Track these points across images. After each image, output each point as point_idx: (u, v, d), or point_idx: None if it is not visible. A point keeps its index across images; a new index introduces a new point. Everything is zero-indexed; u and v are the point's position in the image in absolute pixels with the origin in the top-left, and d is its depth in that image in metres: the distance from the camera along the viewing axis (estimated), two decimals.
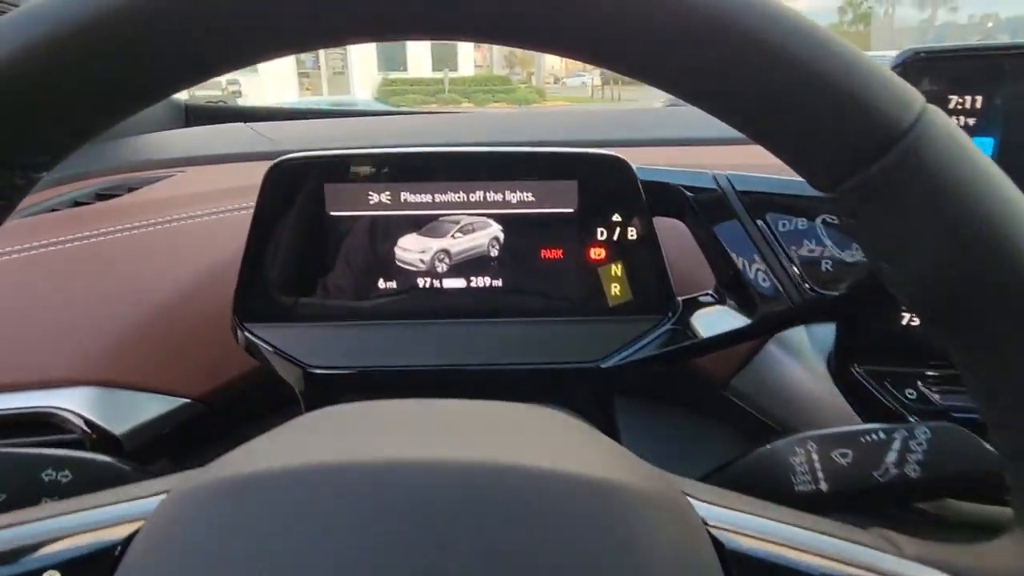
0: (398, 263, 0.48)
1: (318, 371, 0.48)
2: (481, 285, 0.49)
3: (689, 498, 0.22)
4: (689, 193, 0.47)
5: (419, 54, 19.06)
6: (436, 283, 0.49)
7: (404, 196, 0.48)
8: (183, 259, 0.56)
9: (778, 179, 0.46)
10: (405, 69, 18.63)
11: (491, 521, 0.18)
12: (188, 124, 0.98)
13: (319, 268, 0.48)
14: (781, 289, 0.44)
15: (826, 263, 0.45)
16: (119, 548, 0.20)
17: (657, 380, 0.61)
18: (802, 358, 0.56)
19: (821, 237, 0.45)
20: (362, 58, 17.31)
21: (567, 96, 19.67)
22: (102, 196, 0.69)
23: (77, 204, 0.68)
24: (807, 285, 0.44)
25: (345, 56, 17.18)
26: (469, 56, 20.68)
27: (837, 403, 0.54)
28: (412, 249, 0.48)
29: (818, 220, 0.45)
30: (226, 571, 0.17)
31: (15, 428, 0.50)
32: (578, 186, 0.48)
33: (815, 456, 0.34)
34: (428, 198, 0.48)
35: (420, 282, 0.49)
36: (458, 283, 0.49)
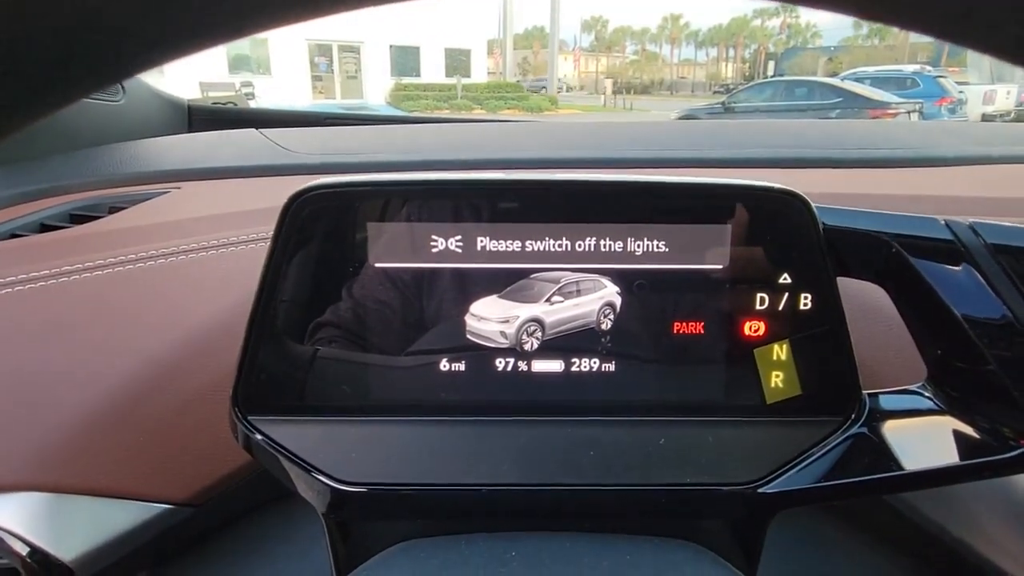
0: (469, 336, 0.34)
1: (351, 488, 0.34)
2: (586, 370, 0.34)
3: None
4: (903, 247, 0.33)
5: (433, 60, 19.00)
6: (523, 366, 0.34)
7: (481, 242, 0.33)
8: (168, 312, 0.42)
9: None
10: (418, 75, 18.53)
11: None
12: (192, 128, 0.84)
13: (356, 341, 0.34)
14: None
15: None
16: None
17: None
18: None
19: None
20: (376, 63, 17.22)
21: (580, 105, 19.54)
22: (77, 218, 0.55)
23: (45, 228, 0.54)
24: None
25: (359, 60, 17.08)
26: (482, 63, 20.59)
27: None
28: (490, 317, 0.34)
29: None
30: None
31: None
32: (731, 233, 0.33)
33: None
34: (515, 246, 0.33)
35: (500, 364, 0.34)
36: (554, 367, 0.34)
